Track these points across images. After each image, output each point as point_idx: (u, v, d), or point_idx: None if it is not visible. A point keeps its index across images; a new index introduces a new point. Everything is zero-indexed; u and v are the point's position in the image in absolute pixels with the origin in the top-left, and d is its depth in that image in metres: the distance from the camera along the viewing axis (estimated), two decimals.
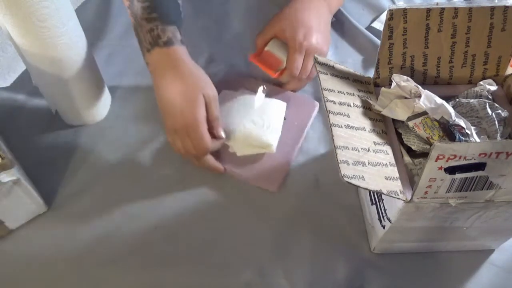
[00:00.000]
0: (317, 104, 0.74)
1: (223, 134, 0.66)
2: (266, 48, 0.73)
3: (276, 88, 0.75)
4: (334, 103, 0.54)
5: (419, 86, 0.55)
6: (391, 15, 0.54)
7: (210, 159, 0.66)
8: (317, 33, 0.71)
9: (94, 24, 0.85)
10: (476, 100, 0.57)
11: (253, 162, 0.68)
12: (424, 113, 0.54)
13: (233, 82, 0.76)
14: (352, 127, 0.53)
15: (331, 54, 0.81)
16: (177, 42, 0.63)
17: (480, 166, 0.45)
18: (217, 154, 0.68)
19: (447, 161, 0.44)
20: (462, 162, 0.44)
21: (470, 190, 0.48)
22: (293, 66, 0.70)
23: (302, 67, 0.71)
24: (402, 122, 0.56)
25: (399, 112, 0.55)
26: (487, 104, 0.55)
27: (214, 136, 0.64)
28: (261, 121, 0.68)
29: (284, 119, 0.71)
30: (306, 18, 0.71)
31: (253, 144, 0.67)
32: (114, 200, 0.66)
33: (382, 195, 0.56)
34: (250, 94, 0.72)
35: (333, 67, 0.58)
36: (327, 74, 0.57)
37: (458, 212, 0.52)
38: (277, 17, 0.73)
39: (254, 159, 0.68)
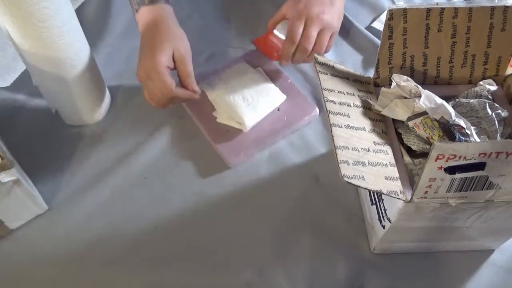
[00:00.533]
0: (318, 110, 0.74)
1: (197, 88, 0.67)
2: (274, 30, 0.74)
3: (289, 83, 0.76)
4: (334, 103, 0.54)
5: (419, 86, 0.55)
6: (391, 15, 0.54)
7: (174, 101, 0.67)
8: (323, 5, 0.69)
9: (94, 24, 0.84)
10: (476, 100, 0.57)
11: (226, 131, 0.70)
12: (424, 113, 0.54)
13: (256, 59, 0.78)
14: (352, 127, 0.53)
15: (331, 54, 0.81)
16: (161, 1, 0.66)
17: (480, 166, 0.45)
18: (200, 114, 0.72)
19: (447, 161, 0.44)
20: (462, 162, 0.44)
21: (470, 190, 0.48)
22: (290, 34, 0.69)
23: (303, 35, 0.68)
24: (402, 122, 0.56)
25: (399, 112, 0.55)
26: (487, 104, 0.55)
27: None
28: (250, 99, 0.71)
29: (278, 110, 0.72)
30: None
31: (231, 116, 0.70)
32: (114, 200, 0.66)
33: (382, 195, 0.56)
34: (260, 75, 0.75)
35: (333, 67, 0.58)
36: (327, 74, 0.57)
37: (458, 212, 0.52)
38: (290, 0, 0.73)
39: (228, 129, 0.70)
